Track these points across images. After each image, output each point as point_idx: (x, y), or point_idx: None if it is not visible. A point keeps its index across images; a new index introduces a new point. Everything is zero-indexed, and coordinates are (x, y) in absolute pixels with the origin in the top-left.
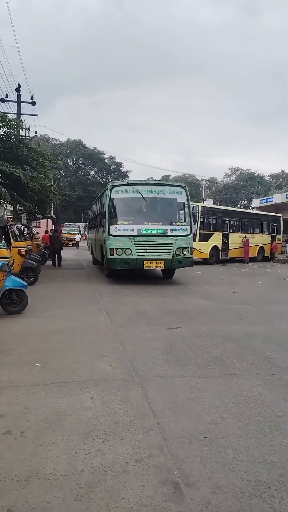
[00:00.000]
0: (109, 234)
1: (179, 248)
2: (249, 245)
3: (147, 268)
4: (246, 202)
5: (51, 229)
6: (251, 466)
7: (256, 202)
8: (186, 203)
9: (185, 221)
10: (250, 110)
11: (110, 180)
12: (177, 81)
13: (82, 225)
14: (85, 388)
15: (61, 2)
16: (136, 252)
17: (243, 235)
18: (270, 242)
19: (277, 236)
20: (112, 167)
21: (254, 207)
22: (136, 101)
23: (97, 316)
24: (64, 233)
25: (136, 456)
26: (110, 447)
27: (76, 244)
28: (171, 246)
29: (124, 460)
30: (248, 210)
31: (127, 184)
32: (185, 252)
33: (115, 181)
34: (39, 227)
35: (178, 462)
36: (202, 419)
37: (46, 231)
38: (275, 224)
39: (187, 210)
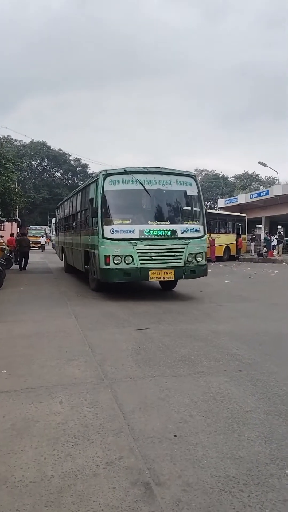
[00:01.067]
0: (104, 237)
1: (191, 253)
2: (215, 244)
3: (153, 280)
4: (211, 202)
5: (18, 232)
6: (220, 462)
7: (221, 203)
8: (197, 196)
9: (197, 219)
10: (216, 112)
11: (76, 182)
12: (142, 83)
13: (49, 228)
14: (54, 393)
15: (22, 0)
16: (140, 260)
17: (209, 235)
18: (235, 242)
19: (242, 236)
20: (78, 169)
21: (220, 208)
22: (102, 102)
23: (65, 320)
24: (29, 236)
25: (106, 459)
26: (80, 451)
27: (42, 247)
28: (182, 251)
29: (94, 464)
30: (213, 211)
31: (126, 173)
32: (198, 259)
33: (108, 168)
34: (3, 230)
35: (148, 462)
36: (172, 418)
37: (12, 234)
38: (239, 224)
39: (198, 205)
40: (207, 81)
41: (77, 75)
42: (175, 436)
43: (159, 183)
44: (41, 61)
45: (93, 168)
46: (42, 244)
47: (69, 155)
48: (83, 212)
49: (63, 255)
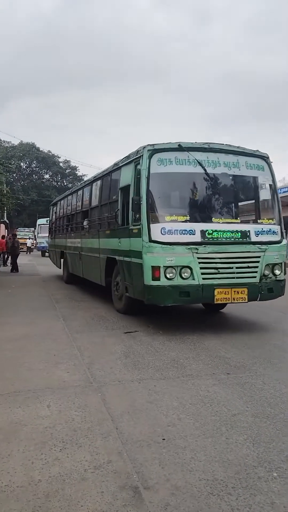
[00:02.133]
0: (152, 240)
1: (268, 264)
2: None
3: (219, 302)
4: None
5: (10, 235)
6: (208, 465)
7: None
8: (272, 185)
9: (272, 216)
10: (203, 116)
11: (66, 184)
12: (130, 86)
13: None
14: (41, 396)
15: (11, 2)
16: (202, 274)
17: None
18: None
19: None
20: (67, 171)
21: None
22: (91, 104)
23: (53, 322)
24: (18, 238)
25: (95, 463)
26: (68, 455)
27: (29, 249)
28: (258, 262)
29: (82, 468)
30: None
31: (180, 149)
32: (276, 272)
33: (156, 143)
34: None
35: (136, 466)
36: (160, 421)
37: (3, 237)
38: None
39: (273, 197)
40: (195, 86)
41: (66, 76)
42: (163, 439)
43: (224, 165)
44: (30, 62)
45: (83, 170)
46: (29, 247)
47: (59, 157)
48: (103, 207)
49: (62, 262)
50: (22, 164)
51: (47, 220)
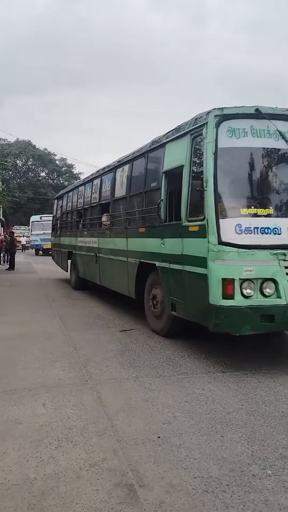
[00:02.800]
0: (222, 242)
1: None
2: None
3: None
4: None
5: (8, 233)
6: (203, 463)
7: None
8: None
9: None
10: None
11: (62, 182)
12: (127, 85)
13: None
14: (37, 394)
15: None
16: None
17: None
18: None
19: None
20: (63, 169)
21: None
22: (87, 103)
23: (49, 321)
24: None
25: (90, 461)
26: (64, 453)
27: (24, 247)
28: None
29: (78, 466)
30: None
31: (258, 115)
32: None
33: (223, 106)
34: None
35: (131, 464)
36: (155, 419)
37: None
38: None
39: None
40: (192, 86)
41: (63, 75)
42: (159, 437)
43: None
44: (27, 60)
45: (79, 168)
46: (23, 244)
47: (55, 155)
48: (134, 198)
49: (71, 264)
50: (18, 161)
51: (41, 217)
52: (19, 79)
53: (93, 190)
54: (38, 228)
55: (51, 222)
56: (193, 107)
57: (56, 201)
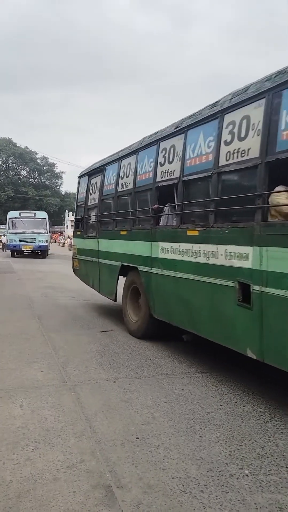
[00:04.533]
0: None
1: None
2: None
3: None
4: None
5: None
6: (181, 463)
7: None
8: None
9: None
10: (182, 116)
11: (43, 181)
12: (112, 86)
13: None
14: (14, 396)
15: None
16: None
17: None
18: None
19: None
20: (45, 167)
21: None
22: (70, 102)
23: (28, 321)
24: None
25: (67, 462)
26: (41, 455)
27: (5, 247)
28: None
29: (55, 468)
30: None
31: None
32: None
33: None
34: None
35: (110, 465)
36: (134, 420)
37: None
38: None
39: None
40: (178, 87)
41: (46, 74)
42: (137, 438)
43: None
44: (9, 58)
45: (61, 167)
46: (4, 243)
47: (36, 153)
48: None
49: (128, 288)
50: None
51: (20, 214)
52: (1, 77)
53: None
54: (17, 226)
55: (33, 219)
56: (180, 108)
57: (85, 179)
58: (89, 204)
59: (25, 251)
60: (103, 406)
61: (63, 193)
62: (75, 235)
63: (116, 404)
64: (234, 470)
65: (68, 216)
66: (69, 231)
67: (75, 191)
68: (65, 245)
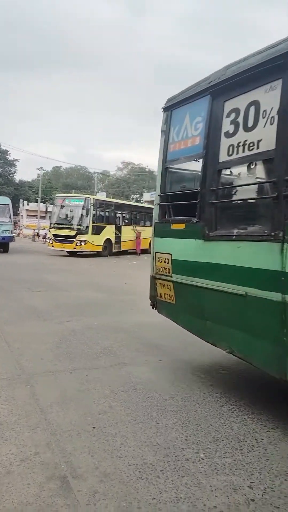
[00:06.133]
0: None
1: None
2: (141, 237)
3: None
4: (138, 195)
5: None
6: (138, 450)
7: (147, 196)
8: None
9: None
10: (143, 107)
11: None
12: (64, 72)
13: None
14: None
15: None
16: None
17: (135, 227)
18: None
19: None
20: None
21: (146, 201)
22: (22, 87)
23: None
24: None
25: (21, 455)
26: None
27: None
28: None
29: (8, 461)
30: (139, 204)
31: None
32: None
33: None
34: None
35: (65, 456)
36: (91, 410)
37: None
38: None
39: None
40: (134, 75)
41: None
42: (94, 428)
43: None
44: None
45: (14, 154)
46: None
47: None
48: None
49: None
50: None
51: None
52: None
53: None
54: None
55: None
56: (137, 97)
57: (201, 103)
58: (222, 159)
59: None
60: (59, 397)
61: (17, 181)
62: (159, 231)
63: (73, 395)
64: (190, 454)
65: (23, 205)
66: (24, 221)
67: (30, 179)
68: (37, 238)
